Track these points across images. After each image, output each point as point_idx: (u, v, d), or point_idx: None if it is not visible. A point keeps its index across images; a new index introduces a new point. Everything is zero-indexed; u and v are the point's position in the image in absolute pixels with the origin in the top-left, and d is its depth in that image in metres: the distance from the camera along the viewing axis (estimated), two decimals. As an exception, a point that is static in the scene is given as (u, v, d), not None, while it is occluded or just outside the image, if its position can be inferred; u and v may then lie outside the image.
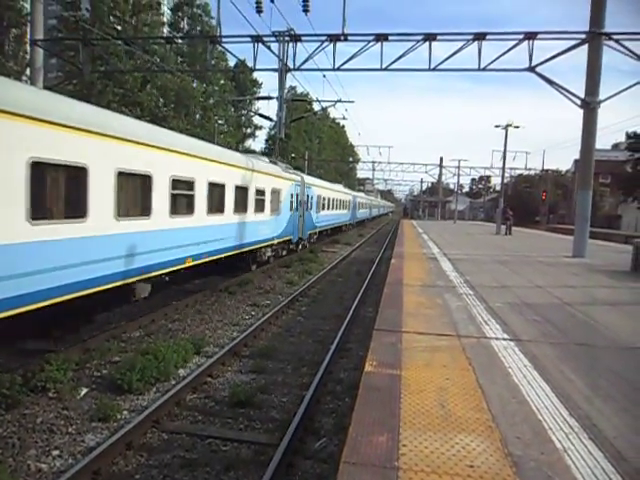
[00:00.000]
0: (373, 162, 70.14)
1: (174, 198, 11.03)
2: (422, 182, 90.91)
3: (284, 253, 22.61)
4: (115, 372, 7.64)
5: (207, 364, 8.33)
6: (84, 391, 7.29)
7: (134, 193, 9.68)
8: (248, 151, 40.52)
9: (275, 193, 19.50)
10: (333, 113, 67.70)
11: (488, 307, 8.48)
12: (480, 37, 17.38)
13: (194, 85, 36.46)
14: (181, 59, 36.83)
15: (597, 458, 3.53)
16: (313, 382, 7.70)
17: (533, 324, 7.41)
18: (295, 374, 8.53)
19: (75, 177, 7.89)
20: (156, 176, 10.17)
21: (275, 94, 20.29)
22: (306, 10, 17.46)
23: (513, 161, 60.16)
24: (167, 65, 27.18)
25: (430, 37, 17.62)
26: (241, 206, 15.44)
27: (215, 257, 13.59)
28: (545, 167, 67.88)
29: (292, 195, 22.50)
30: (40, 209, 7.15)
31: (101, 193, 8.48)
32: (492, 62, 17.75)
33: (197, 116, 38.81)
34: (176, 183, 11.07)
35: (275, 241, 19.92)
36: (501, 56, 17.68)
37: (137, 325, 10.72)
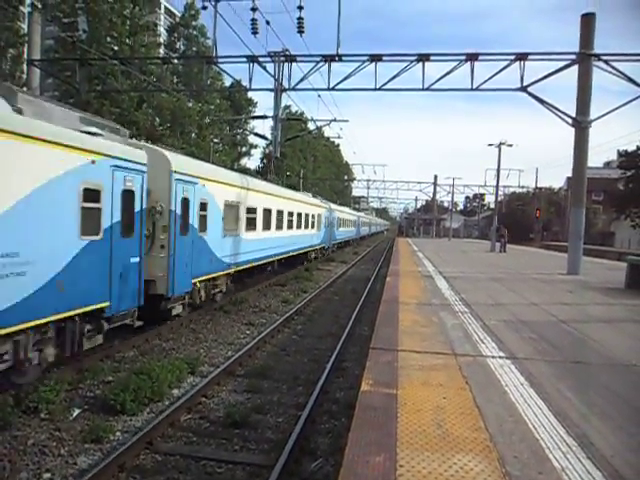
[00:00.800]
0: (368, 180, 70.78)
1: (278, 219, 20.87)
2: (417, 200, 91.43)
3: (320, 255, 33.31)
4: (108, 392, 7.54)
5: (202, 384, 8.24)
6: (77, 412, 7.19)
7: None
8: (245, 171, 40.70)
9: (319, 216, 31.31)
10: (328, 132, 68.12)
11: (484, 325, 8.48)
12: (472, 58, 17.65)
13: (190, 104, 36.72)
14: (177, 79, 37.13)
15: (595, 477, 3.51)
16: (309, 402, 7.63)
17: (529, 342, 7.41)
18: (291, 394, 8.45)
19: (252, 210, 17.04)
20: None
21: (270, 113, 20.48)
22: (301, 31, 17.71)
23: (507, 179, 60.58)
24: (163, 85, 27.39)
25: (423, 57, 17.86)
26: (304, 224, 26.66)
27: (293, 253, 24.32)
28: (538, 185, 68.41)
29: (325, 217, 33.90)
30: (250, 226, 16.78)
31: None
32: (485, 82, 18.01)
33: (193, 135, 39.00)
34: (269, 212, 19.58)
35: (317, 247, 31.56)
36: (493, 76, 17.95)
37: (131, 345, 10.61)
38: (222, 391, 8.43)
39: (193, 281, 12.45)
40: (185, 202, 11.85)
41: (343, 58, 18.17)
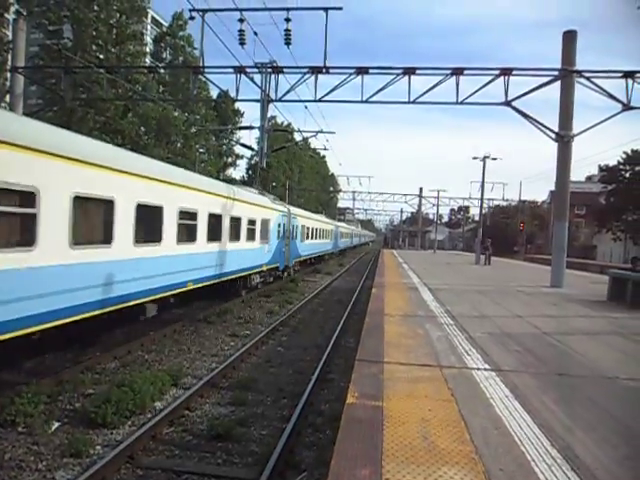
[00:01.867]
0: (354, 192, 70.84)
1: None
2: (402, 212, 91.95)
3: (271, 280, 23.77)
4: (89, 405, 7.40)
5: (185, 396, 8.13)
6: (56, 425, 7.03)
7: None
8: (231, 181, 40.58)
9: (265, 223, 20.98)
10: (314, 143, 68.76)
11: (469, 337, 8.49)
12: (458, 72, 17.85)
13: (176, 114, 36.62)
14: (163, 88, 37.05)
15: (580, 490, 3.50)
16: (294, 414, 7.56)
17: (514, 354, 7.43)
18: (275, 406, 8.37)
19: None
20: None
21: (256, 123, 20.47)
22: (288, 43, 17.77)
23: (491, 192, 61.12)
24: (149, 94, 27.32)
25: (409, 71, 18.03)
26: (234, 235, 17.05)
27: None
28: (522, 198, 69.21)
29: (279, 225, 23.79)
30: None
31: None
32: (470, 96, 18.20)
33: (178, 145, 38.86)
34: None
35: (264, 267, 21.36)
36: (478, 90, 18.15)
37: (112, 356, 10.45)
38: (205, 403, 8.32)
39: (294, 260, 28.04)
40: (294, 227, 27.39)
41: (330, 70, 18.26)
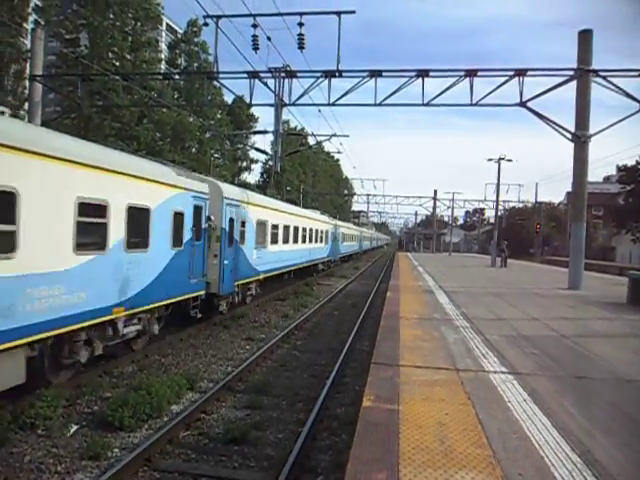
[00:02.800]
0: (368, 195, 70.82)
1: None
2: (416, 215, 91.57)
3: (326, 267, 30.06)
4: (106, 408, 7.46)
5: (201, 400, 8.16)
6: (74, 428, 7.11)
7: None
8: (244, 185, 40.77)
9: (326, 232, 22.36)
10: (328, 147, 68.49)
11: (485, 340, 8.42)
12: (472, 73, 17.77)
13: (190, 119, 36.91)
14: (178, 94, 37.37)
15: (601, 496, 3.45)
16: (309, 418, 7.55)
17: (531, 357, 7.35)
18: (291, 410, 8.36)
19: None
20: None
21: (270, 127, 20.56)
22: (301, 47, 17.85)
23: (506, 194, 60.87)
24: (164, 100, 27.57)
25: (423, 73, 17.99)
26: (315, 239, 29.31)
27: (306, 264, 26.65)
28: (538, 200, 68.50)
29: (331, 233, 22.95)
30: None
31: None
32: (484, 97, 18.11)
33: (193, 150, 39.13)
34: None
35: (325, 259, 24.69)
36: (492, 92, 18.05)
37: (130, 360, 10.54)
38: (221, 407, 8.35)
39: (238, 282, 15.90)
40: (234, 221, 15.28)
41: (343, 74, 18.29)
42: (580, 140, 18.01)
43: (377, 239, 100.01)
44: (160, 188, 10.98)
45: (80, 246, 8.17)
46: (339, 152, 47.40)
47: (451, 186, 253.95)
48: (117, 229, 9.25)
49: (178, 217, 11.85)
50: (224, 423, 7.55)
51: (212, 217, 13.76)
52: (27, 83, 21.64)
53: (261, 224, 18.63)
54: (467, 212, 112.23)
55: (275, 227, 20.77)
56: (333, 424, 7.73)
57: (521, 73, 17.71)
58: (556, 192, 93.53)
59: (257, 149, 33.70)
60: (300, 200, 52.51)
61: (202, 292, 13.41)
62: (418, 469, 3.70)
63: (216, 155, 44.53)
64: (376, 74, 18.16)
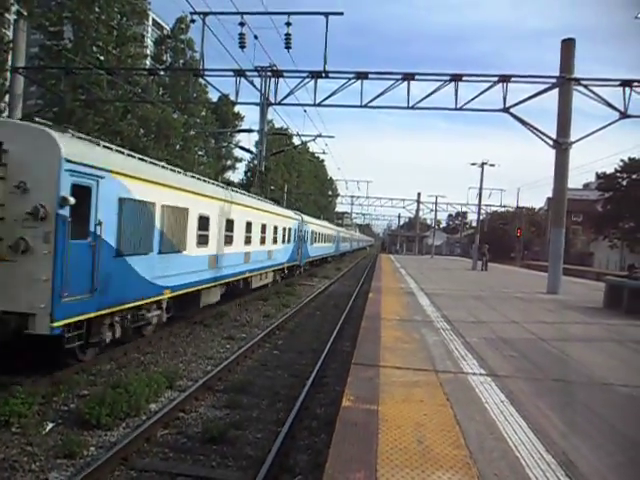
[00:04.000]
0: (352, 196, 70.93)
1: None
2: (400, 217, 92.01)
3: (288, 275, 28.38)
4: (83, 406, 7.36)
5: (180, 399, 8.10)
6: (50, 426, 7.00)
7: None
8: (228, 184, 40.57)
9: (288, 230, 26.34)
10: (313, 147, 68.53)
11: (465, 342, 8.50)
12: (457, 78, 17.92)
13: (175, 116, 36.61)
14: (163, 90, 37.04)
15: (575, 496, 3.50)
16: (289, 418, 7.54)
17: (509, 360, 7.44)
18: (270, 409, 8.35)
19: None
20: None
21: (255, 126, 20.50)
22: (288, 47, 17.82)
23: (489, 198, 61.18)
24: (149, 96, 27.29)
25: (409, 77, 18.09)
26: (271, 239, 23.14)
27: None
28: (519, 205, 69.36)
29: (295, 231, 28.36)
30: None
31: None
32: (468, 102, 18.27)
33: (177, 147, 38.82)
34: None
35: (285, 265, 26.29)
36: (477, 97, 18.23)
37: (108, 357, 10.41)
38: (200, 406, 8.29)
39: (305, 260, 30.91)
40: (305, 232, 32.98)
41: (330, 75, 18.31)
42: (561, 147, 18.29)
43: (358, 240, 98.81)
44: (288, 220, 26.38)
45: (324, 241, 32.49)
46: (324, 153, 47.42)
47: (435, 189, 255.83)
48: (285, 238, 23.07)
49: (296, 231, 29.30)
50: (203, 422, 7.50)
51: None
52: (9, 75, 21.28)
53: (315, 234, 27.87)
54: (450, 215, 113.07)
55: (317, 233, 27.99)
56: (313, 424, 7.73)
57: (505, 79, 17.92)
58: (537, 198, 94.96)
59: (242, 148, 33.61)
60: (284, 200, 52.41)
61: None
62: (396, 469, 3.73)
63: (200, 153, 44.25)
64: (362, 76, 18.22)
